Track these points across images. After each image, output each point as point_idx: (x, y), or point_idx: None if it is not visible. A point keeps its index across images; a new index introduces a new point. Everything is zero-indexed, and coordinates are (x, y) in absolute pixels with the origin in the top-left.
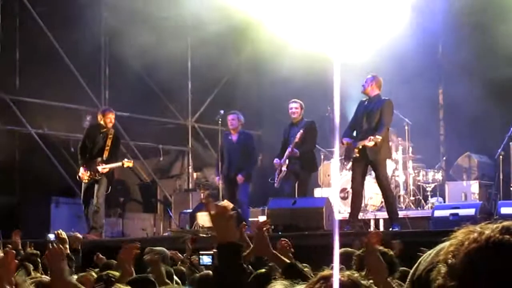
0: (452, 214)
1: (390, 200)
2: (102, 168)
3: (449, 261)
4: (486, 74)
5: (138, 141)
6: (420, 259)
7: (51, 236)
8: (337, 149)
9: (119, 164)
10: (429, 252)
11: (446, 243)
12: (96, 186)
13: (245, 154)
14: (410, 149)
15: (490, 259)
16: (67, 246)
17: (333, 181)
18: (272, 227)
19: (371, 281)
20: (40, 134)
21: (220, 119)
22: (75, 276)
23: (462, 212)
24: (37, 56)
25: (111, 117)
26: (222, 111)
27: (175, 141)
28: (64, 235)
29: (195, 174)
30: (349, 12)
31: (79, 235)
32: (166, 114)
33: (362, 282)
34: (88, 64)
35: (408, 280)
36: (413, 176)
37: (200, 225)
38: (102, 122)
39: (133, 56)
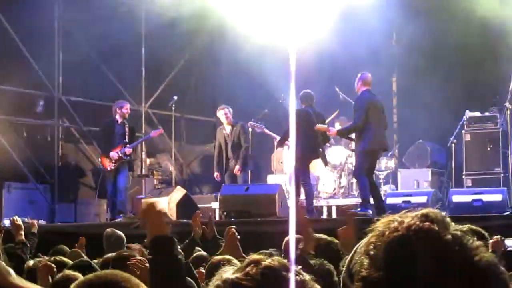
0: (404, 202)
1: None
2: (129, 148)
3: (371, 252)
4: (440, 62)
5: (92, 126)
6: (356, 246)
7: (6, 223)
8: (292, 138)
9: (147, 137)
10: (364, 240)
11: (371, 234)
12: (117, 173)
13: (238, 144)
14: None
15: (412, 247)
16: (22, 233)
17: (286, 168)
18: (225, 213)
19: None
20: None
21: (174, 105)
22: (31, 262)
23: (414, 199)
24: None
25: (128, 109)
26: (175, 97)
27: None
28: (19, 221)
29: (148, 160)
30: (303, 3)
31: (35, 221)
32: (120, 99)
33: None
34: (42, 49)
35: (344, 267)
36: None
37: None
38: (118, 115)
39: (87, 41)
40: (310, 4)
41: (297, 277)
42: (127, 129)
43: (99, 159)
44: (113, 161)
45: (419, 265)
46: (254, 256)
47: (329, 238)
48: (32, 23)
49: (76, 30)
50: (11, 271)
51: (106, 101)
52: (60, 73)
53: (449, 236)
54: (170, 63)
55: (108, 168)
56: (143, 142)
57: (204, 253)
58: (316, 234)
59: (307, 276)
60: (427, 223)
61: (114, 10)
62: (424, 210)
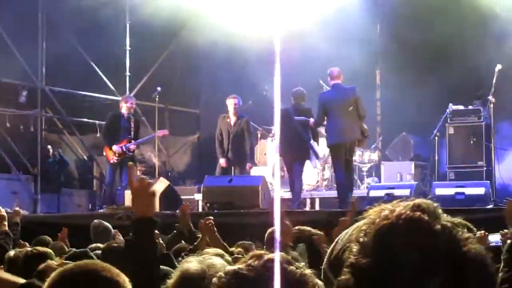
0: (387, 194)
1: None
2: (133, 144)
3: (361, 239)
4: (423, 55)
5: (75, 117)
6: (337, 239)
7: None
8: (277, 128)
9: (152, 136)
10: (345, 231)
11: (362, 221)
12: (122, 170)
13: (242, 137)
14: None
15: (401, 235)
16: (6, 223)
17: (270, 160)
18: (208, 204)
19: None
20: None
21: (157, 96)
22: (12, 252)
23: (397, 192)
24: None
25: (133, 103)
26: (159, 88)
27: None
28: (2, 211)
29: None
30: None
31: (19, 209)
32: (103, 90)
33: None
34: (25, 39)
35: (325, 259)
36: None
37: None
38: (124, 109)
39: (71, 32)
40: None
41: (298, 270)
42: (132, 124)
43: (103, 151)
44: (116, 155)
45: (407, 253)
46: (257, 251)
47: (313, 230)
48: (15, 13)
49: (60, 20)
50: None
51: (90, 91)
52: (43, 63)
53: (439, 226)
54: (154, 54)
55: (111, 161)
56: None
57: (184, 244)
58: (301, 227)
59: (307, 270)
60: (418, 213)
61: (98, 1)
62: (417, 200)
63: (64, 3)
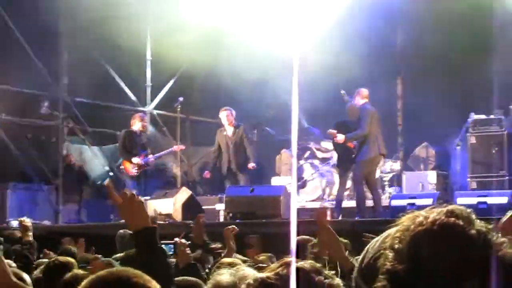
0: (409, 204)
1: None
2: (152, 158)
3: (396, 246)
4: (444, 64)
5: (96, 127)
6: (367, 247)
7: (14, 223)
8: (294, 139)
9: (169, 150)
10: (376, 239)
11: (392, 229)
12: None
13: (242, 146)
14: None
15: (436, 241)
16: (31, 234)
17: (292, 170)
18: (230, 214)
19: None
20: None
21: (179, 106)
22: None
23: (419, 202)
24: None
25: (146, 121)
26: (180, 98)
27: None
28: (27, 222)
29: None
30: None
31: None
32: (125, 101)
33: (324, 270)
34: (47, 50)
35: (356, 268)
36: None
37: (158, 212)
38: (139, 126)
39: (92, 42)
40: (312, 6)
41: (326, 280)
42: (146, 140)
43: (121, 165)
44: (136, 168)
45: (443, 259)
46: (286, 259)
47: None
48: (37, 23)
49: (81, 30)
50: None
51: (111, 102)
52: (65, 74)
53: (474, 231)
54: (175, 64)
55: (130, 174)
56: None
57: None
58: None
59: (336, 280)
60: (452, 218)
61: (119, 11)
62: (450, 207)
63: (85, 14)
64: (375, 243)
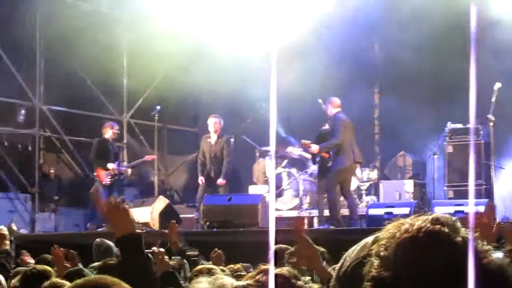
0: (386, 213)
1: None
2: (127, 166)
3: (382, 253)
4: (422, 74)
5: (73, 136)
6: (345, 255)
7: None
8: (273, 148)
9: (141, 160)
10: (353, 247)
11: (370, 238)
12: (112, 190)
13: (221, 156)
14: None
15: (422, 248)
16: (7, 242)
17: (270, 179)
18: (208, 223)
19: (304, 267)
20: None
21: (156, 115)
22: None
23: (396, 211)
24: None
25: (118, 130)
26: (158, 107)
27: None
28: (4, 231)
29: (129, 170)
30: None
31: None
32: (101, 109)
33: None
34: (24, 59)
35: (334, 276)
36: None
37: (135, 221)
38: (110, 134)
39: (69, 51)
40: (289, 14)
41: (306, 285)
42: (117, 149)
43: (95, 173)
44: (110, 176)
45: (429, 265)
46: (264, 266)
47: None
48: (13, 32)
49: (58, 39)
50: None
51: (88, 110)
52: (41, 82)
53: (459, 239)
54: (152, 73)
55: (104, 182)
56: (125, 152)
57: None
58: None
59: (315, 286)
60: (438, 226)
61: (96, 20)
62: (435, 215)
63: (62, 23)
64: (352, 251)
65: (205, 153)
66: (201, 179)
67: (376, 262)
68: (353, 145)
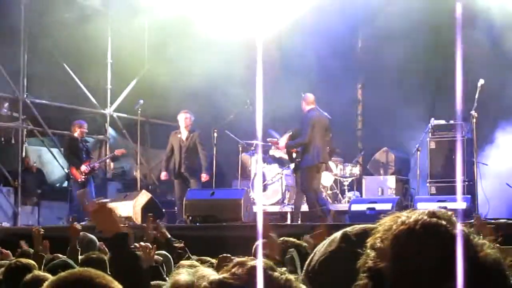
0: (369, 209)
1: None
2: (97, 163)
3: (378, 245)
4: (406, 70)
5: (56, 129)
6: (315, 250)
7: None
8: (259, 142)
9: (112, 155)
10: (323, 242)
11: (339, 233)
12: (88, 185)
13: (195, 151)
14: None
15: (419, 239)
16: None
17: (256, 173)
18: (190, 217)
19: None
20: None
21: (140, 109)
22: None
23: (379, 206)
24: None
25: (86, 128)
26: (141, 101)
27: (93, 130)
28: None
29: (112, 164)
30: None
31: None
32: (85, 103)
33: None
34: (7, 51)
35: (303, 271)
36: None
37: (118, 215)
38: (78, 133)
39: (53, 44)
40: (274, 6)
41: (282, 276)
42: (87, 146)
43: (69, 171)
44: (84, 174)
45: (426, 257)
46: (240, 259)
47: (297, 241)
48: None
49: (42, 32)
50: None
51: (71, 104)
52: (25, 75)
53: (456, 231)
54: (136, 67)
55: (79, 180)
56: (107, 146)
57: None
58: (286, 237)
59: (291, 276)
60: (435, 219)
61: (80, 14)
62: (432, 209)
63: (47, 16)
64: (321, 246)
65: (174, 149)
66: (164, 174)
67: (372, 254)
68: (319, 145)
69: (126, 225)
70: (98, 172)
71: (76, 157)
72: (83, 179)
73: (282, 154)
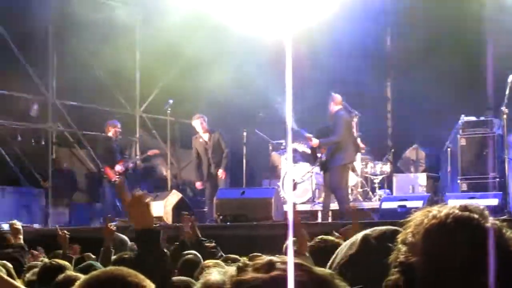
0: (400, 206)
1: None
2: (131, 163)
3: (409, 239)
4: (435, 66)
5: (85, 131)
6: (337, 251)
7: (5, 226)
8: (289, 141)
9: (145, 155)
10: (345, 243)
11: (359, 235)
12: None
13: (220, 149)
14: (358, 140)
15: (451, 233)
16: (21, 237)
17: (286, 172)
18: (221, 217)
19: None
20: None
21: (169, 109)
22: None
23: (410, 204)
24: None
25: (119, 128)
26: (171, 101)
27: (123, 130)
28: (18, 225)
29: (142, 164)
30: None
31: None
32: (114, 103)
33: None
34: (36, 53)
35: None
36: (361, 168)
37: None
38: (112, 133)
39: (82, 45)
40: (303, 6)
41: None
42: (120, 146)
43: (103, 170)
44: (118, 174)
45: (458, 251)
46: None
47: (336, 239)
48: (26, 27)
49: (70, 34)
50: None
51: (100, 105)
52: (54, 77)
53: (488, 225)
54: (165, 67)
55: (113, 180)
56: (137, 146)
57: (194, 258)
58: (324, 236)
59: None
60: (467, 212)
61: (109, 13)
62: (463, 203)
63: (74, 17)
64: (343, 248)
65: (199, 153)
66: (200, 184)
67: (403, 248)
68: (349, 144)
69: (158, 225)
70: (130, 172)
71: (110, 156)
72: (116, 179)
73: (304, 148)
